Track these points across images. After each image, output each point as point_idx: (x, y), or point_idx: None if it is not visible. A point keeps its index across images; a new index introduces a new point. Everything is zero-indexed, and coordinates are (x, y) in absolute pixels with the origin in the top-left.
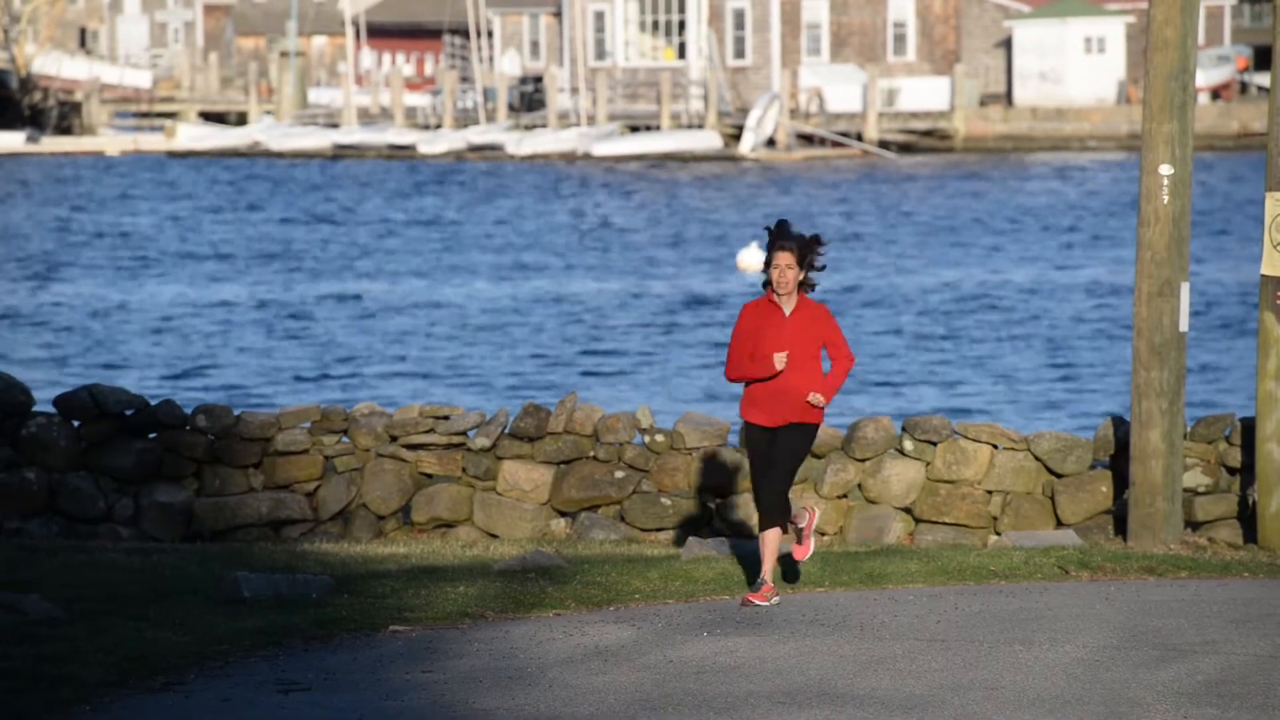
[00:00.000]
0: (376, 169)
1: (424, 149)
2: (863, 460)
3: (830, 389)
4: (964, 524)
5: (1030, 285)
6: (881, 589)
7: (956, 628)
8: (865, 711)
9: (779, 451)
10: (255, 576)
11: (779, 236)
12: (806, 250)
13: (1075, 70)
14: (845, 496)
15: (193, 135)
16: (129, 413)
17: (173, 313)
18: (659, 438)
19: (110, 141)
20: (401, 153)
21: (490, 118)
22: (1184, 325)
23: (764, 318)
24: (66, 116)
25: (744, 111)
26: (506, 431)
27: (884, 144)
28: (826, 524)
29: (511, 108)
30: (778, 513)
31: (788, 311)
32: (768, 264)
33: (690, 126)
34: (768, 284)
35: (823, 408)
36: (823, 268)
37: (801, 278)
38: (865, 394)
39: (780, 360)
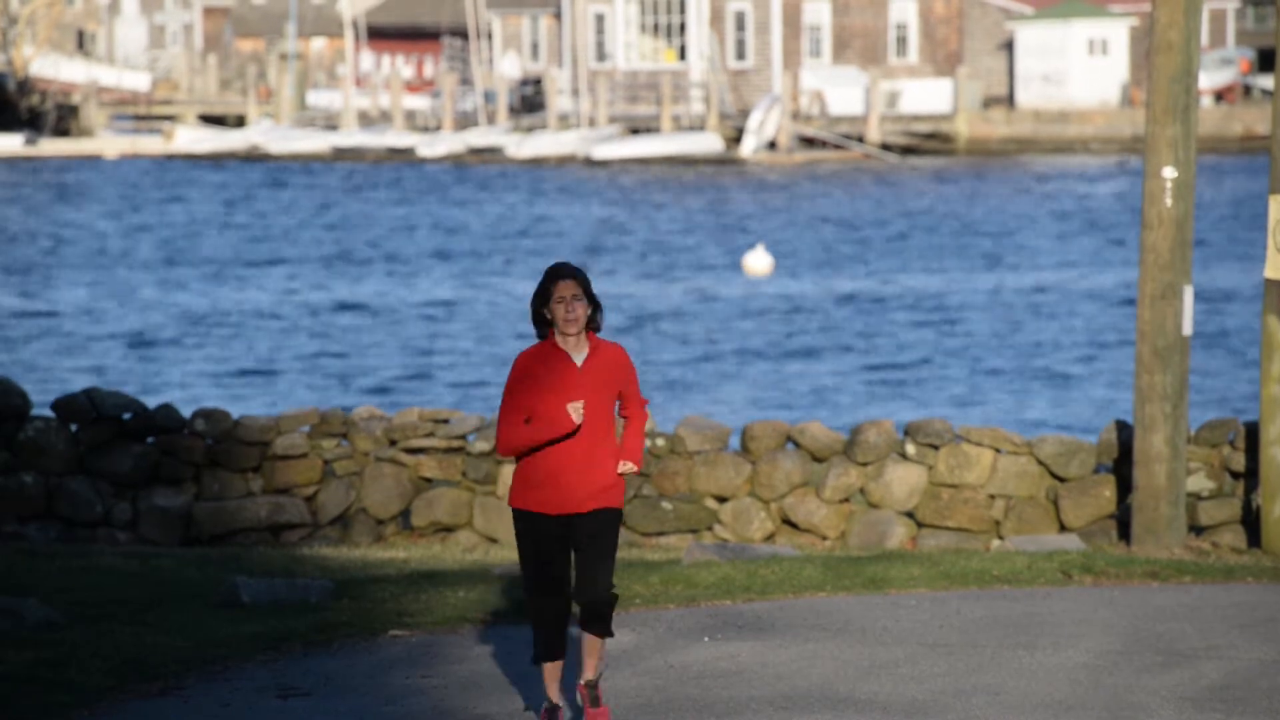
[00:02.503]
0: (375, 172)
1: (423, 151)
2: (864, 464)
3: (639, 454)
4: (966, 528)
5: (1032, 288)
6: (883, 593)
7: (959, 632)
8: (867, 716)
9: (590, 548)
10: (254, 581)
11: (554, 268)
12: (589, 283)
13: (1078, 72)
14: (847, 500)
15: (191, 138)
16: (127, 416)
17: (173, 315)
18: (660, 441)
19: (108, 144)
20: (400, 155)
21: (490, 120)
22: (1187, 329)
23: (550, 370)
24: (64, 119)
25: (745, 114)
26: None
27: (886, 147)
28: (828, 528)
29: (512, 110)
30: (605, 605)
31: (580, 360)
32: (545, 299)
33: (691, 129)
34: (547, 329)
35: (626, 475)
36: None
37: (590, 313)
38: (867, 397)
39: (577, 412)
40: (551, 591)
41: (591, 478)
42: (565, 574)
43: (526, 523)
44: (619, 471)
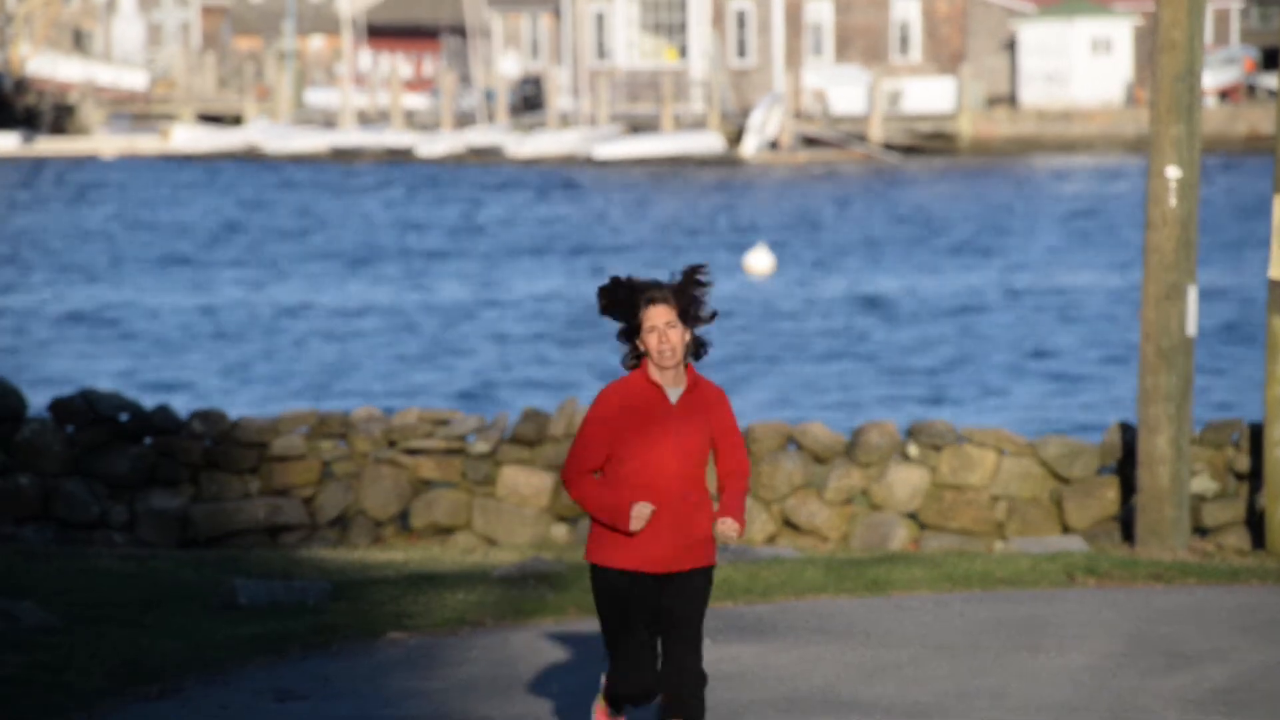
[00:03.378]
0: (374, 171)
1: (422, 151)
2: (867, 465)
3: (740, 511)
4: (969, 530)
5: (1036, 289)
6: (886, 596)
7: (962, 635)
8: (870, 719)
9: (679, 612)
10: (252, 583)
11: (644, 288)
12: (688, 296)
13: (1081, 72)
14: (849, 502)
15: (188, 137)
16: (124, 418)
17: (168, 317)
18: None
19: (105, 143)
20: (399, 155)
21: (490, 119)
22: (1192, 329)
23: (641, 410)
24: (61, 118)
25: (746, 113)
26: (506, 436)
27: (889, 146)
28: (830, 530)
29: (512, 109)
30: (693, 694)
31: (674, 397)
32: (634, 329)
33: (693, 128)
34: (637, 359)
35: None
36: (712, 316)
37: (689, 338)
38: (869, 398)
39: (641, 519)
40: (640, 665)
41: (681, 531)
42: (653, 640)
43: (605, 582)
44: (717, 530)
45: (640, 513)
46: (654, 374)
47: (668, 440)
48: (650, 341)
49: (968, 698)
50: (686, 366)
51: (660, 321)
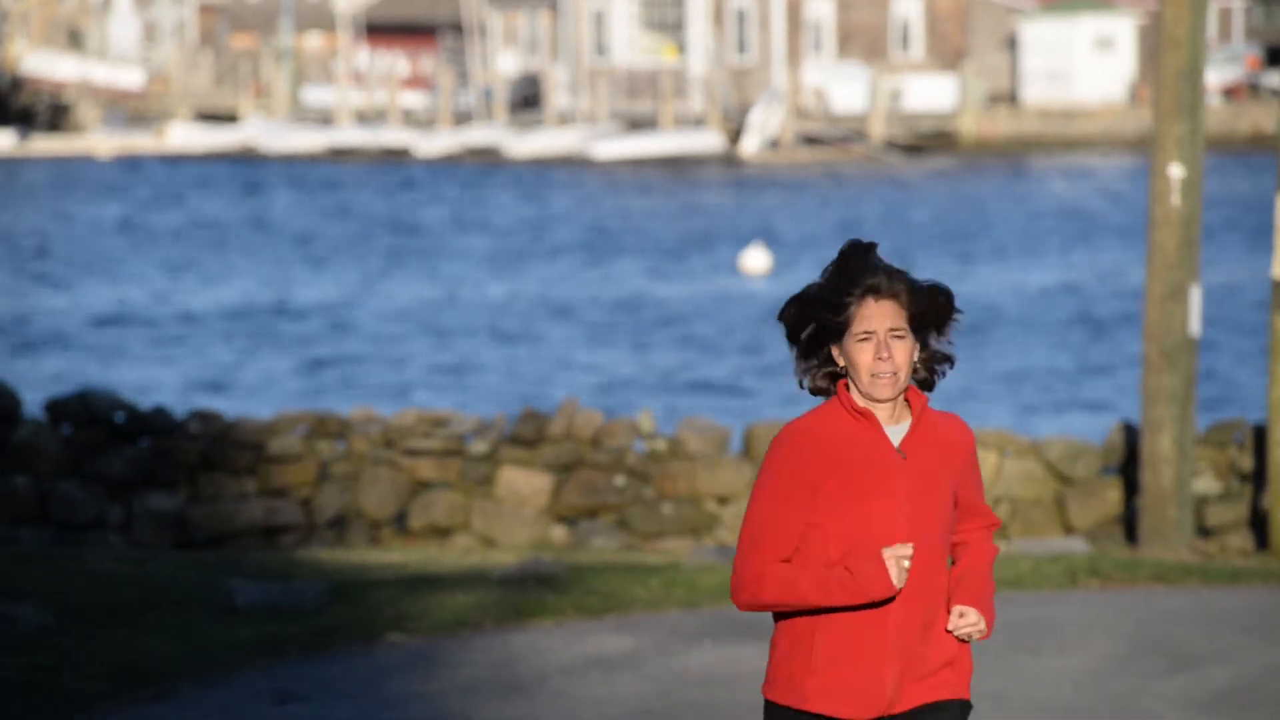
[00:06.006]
0: (373, 169)
1: (420, 149)
2: None
3: (989, 600)
4: None
5: (1039, 288)
6: None
7: None
8: None
9: None
10: (250, 585)
11: (867, 269)
12: (932, 301)
13: (1084, 70)
14: None
15: (184, 136)
16: (120, 418)
17: (165, 317)
18: (660, 444)
19: (101, 141)
20: (397, 154)
21: (488, 116)
22: (1195, 329)
23: (849, 459)
24: (57, 116)
25: (746, 111)
26: (505, 437)
27: (889, 144)
28: None
29: (511, 106)
30: None
31: (898, 439)
32: (836, 329)
33: (693, 125)
34: (832, 380)
35: (972, 639)
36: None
37: (922, 358)
38: None
39: (901, 568)
40: None
41: (920, 650)
42: None
43: None
44: (951, 627)
45: (899, 556)
46: (864, 404)
47: (897, 507)
48: (860, 356)
49: None
50: (909, 394)
51: (881, 326)
